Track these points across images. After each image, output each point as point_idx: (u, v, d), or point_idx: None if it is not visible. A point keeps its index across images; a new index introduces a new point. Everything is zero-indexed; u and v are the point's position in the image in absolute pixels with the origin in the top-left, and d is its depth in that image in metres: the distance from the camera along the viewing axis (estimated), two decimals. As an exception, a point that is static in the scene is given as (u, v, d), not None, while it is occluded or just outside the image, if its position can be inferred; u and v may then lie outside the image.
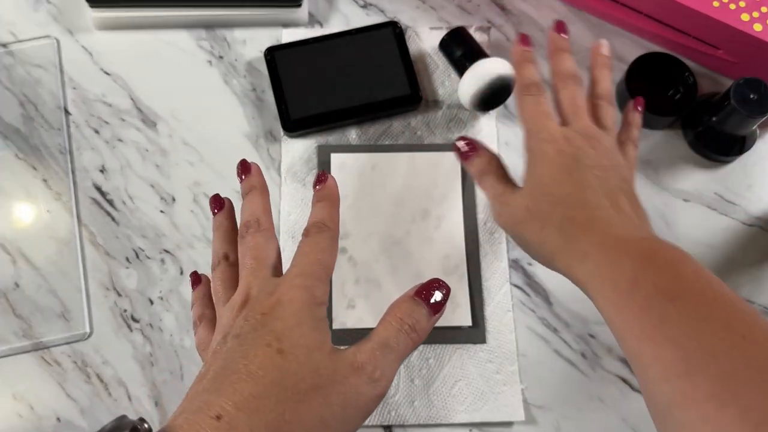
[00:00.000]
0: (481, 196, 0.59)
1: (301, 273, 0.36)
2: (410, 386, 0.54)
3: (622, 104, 0.63)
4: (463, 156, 0.50)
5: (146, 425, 0.29)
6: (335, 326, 0.54)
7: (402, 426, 0.53)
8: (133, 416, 0.45)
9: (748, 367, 0.31)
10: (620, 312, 0.37)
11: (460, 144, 0.50)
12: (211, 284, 0.42)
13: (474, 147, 0.50)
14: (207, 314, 0.42)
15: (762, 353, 0.31)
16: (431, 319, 0.36)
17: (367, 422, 0.51)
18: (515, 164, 0.62)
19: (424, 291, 0.36)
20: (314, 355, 0.32)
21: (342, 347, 0.33)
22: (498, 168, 0.50)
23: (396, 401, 0.53)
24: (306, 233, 0.38)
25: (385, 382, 0.33)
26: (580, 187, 0.43)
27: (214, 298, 0.41)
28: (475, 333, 0.55)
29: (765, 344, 0.32)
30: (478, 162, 0.50)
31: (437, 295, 0.36)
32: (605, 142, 0.46)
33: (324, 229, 0.38)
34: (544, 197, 0.44)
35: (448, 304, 0.54)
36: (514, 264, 0.58)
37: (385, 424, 0.53)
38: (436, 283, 0.37)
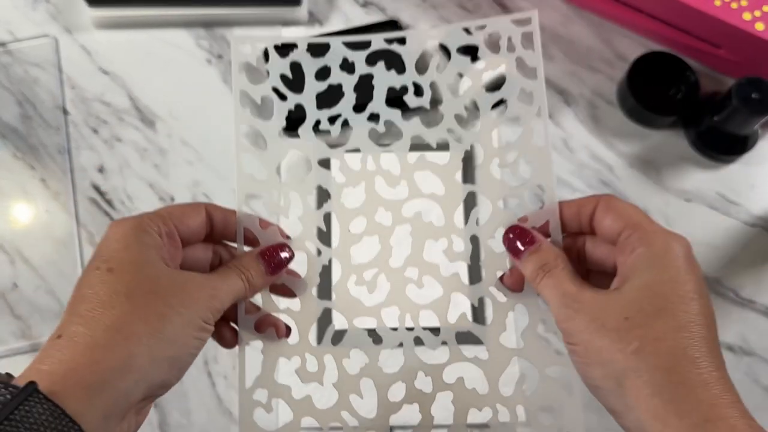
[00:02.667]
0: (481, 198, 0.59)
1: (137, 215, 0.38)
2: (411, 388, 0.54)
3: (624, 103, 0.64)
4: (513, 250, 0.40)
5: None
6: (337, 327, 0.55)
7: (402, 428, 0.53)
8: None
9: None
10: None
11: (511, 235, 0.41)
12: None
13: (531, 238, 0.39)
14: None
15: None
16: (267, 279, 0.40)
17: (369, 425, 0.51)
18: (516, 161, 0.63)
19: (267, 252, 0.40)
20: (146, 269, 0.34)
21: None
22: (566, 264, 0.38)
23: (397, 403, 0.53)
24: None
25: (219, 305, 0.37)
26: (708, 320, 0.33)
27: None
28: (475, 333, 0.55)
29: None
30: (536, 258, 0.39)
31: (279, 257, 0.40)
32: None
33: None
34: (660, 312, 0.33)
35: (448, 303, 0.54)
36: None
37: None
38: (280, 247, 0.41)
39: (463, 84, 0.59)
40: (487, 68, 0.58)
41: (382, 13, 0.67)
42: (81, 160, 0.62)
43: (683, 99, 0.62)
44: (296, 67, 0.59)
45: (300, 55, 0.61)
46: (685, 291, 0.33)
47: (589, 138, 0.64)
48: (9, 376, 0.31)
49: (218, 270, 0.39)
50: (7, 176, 0.61)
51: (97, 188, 0.61)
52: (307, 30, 0.66)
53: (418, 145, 0.61)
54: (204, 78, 0.65)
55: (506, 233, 0.42)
